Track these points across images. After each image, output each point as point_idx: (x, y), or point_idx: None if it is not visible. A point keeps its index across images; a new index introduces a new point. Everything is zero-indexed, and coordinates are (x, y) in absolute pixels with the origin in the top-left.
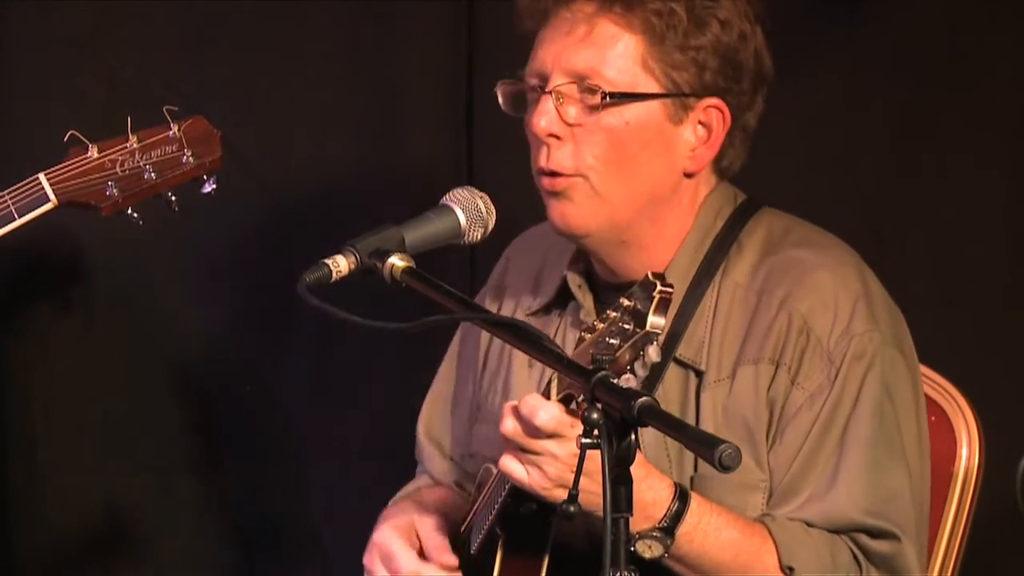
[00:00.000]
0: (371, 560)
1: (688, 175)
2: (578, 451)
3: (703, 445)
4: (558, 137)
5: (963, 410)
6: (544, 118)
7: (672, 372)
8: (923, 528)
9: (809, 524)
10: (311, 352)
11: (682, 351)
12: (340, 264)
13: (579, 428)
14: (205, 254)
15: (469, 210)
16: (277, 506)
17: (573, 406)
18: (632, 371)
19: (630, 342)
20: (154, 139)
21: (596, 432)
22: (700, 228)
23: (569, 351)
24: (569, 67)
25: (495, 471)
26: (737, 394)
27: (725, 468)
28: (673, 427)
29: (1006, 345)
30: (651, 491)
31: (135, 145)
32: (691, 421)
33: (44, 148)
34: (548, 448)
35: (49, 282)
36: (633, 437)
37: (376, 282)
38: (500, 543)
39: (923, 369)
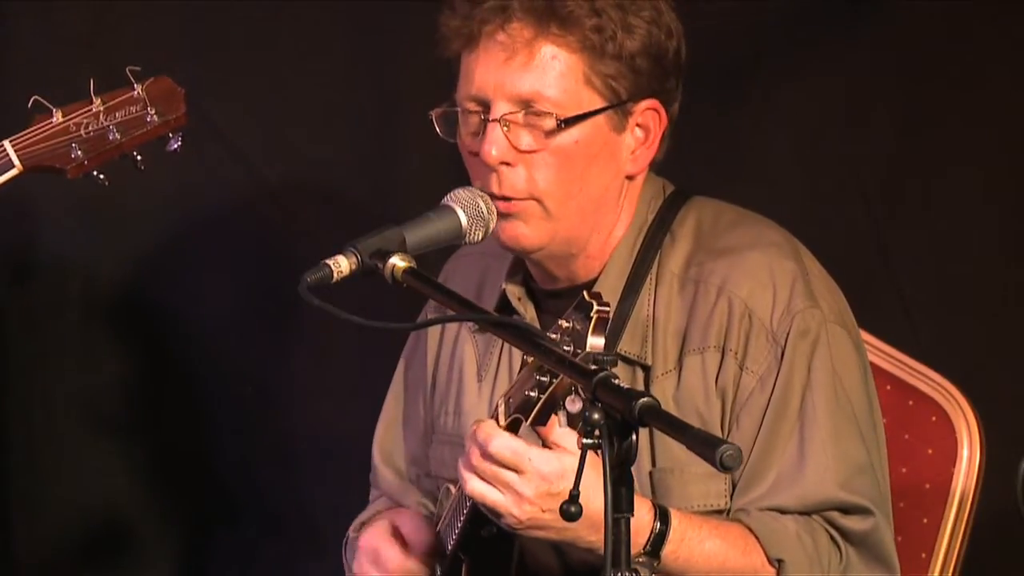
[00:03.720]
0: (359, 565)
1: (629, 177)
2: (543, 484)
3: (705, 446)
4: (509, 163)
5: (964, 410)
6: (494, 147)
7: (617, 369)
8: (889, 504)
9: (782, 510)
10: (311, 352)
11: (625, 347)
12: (341, 264)
13: (538, 457)
14: (206, 254)
15: (470, 210)
16: (277, 506)
17: (522, 430)
18: (576, 391)
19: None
20: (118, 100)
21: (597, 432)
22: (635, 224)
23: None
24: (513, 93)
25: (454, 492)
26: (686, 385)
27: (727, 469)
28: (675, 427)
29: (1006, 345)
30: None
31: (99, 107)
32: None
33: None
34: (512, 487)
35: (49, 282)
36: (634, 438)
37: (377, 282)
38: (464, 569)
39: (923, 369)
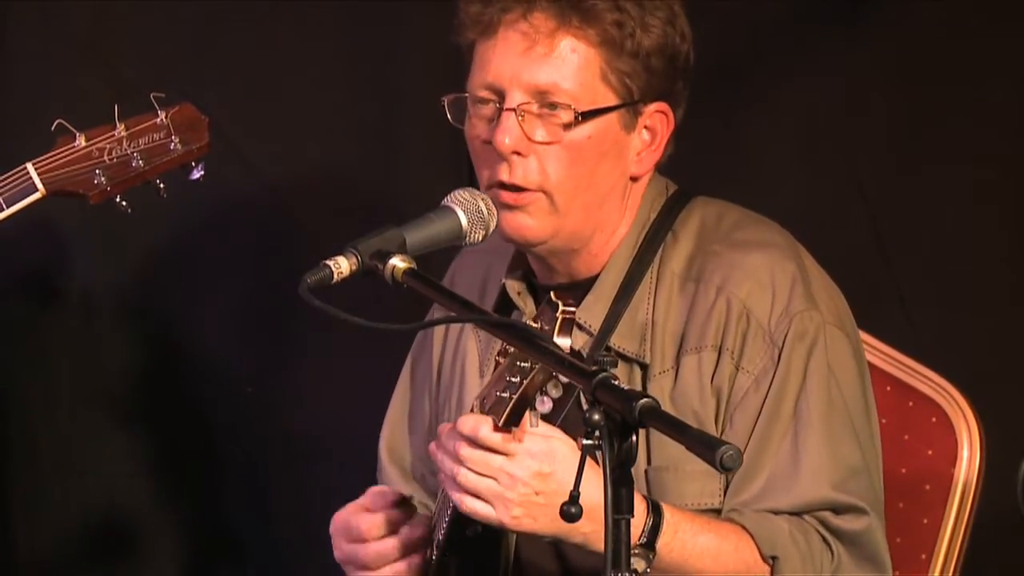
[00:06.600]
0: (337, 548)
1: (633, 179)
2: (534, 464)
3: (704, 447)
4: (521, 153)
5: (963, 411)
6: (508, 136)
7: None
8: (882, 506)
9: (774, 511)
10: (311, 352)
11: (623, 344)
12: (341, 265)
13: (529, 442)
14: (205, 254)
15: (470, 211)
16: (277, 506)
17: (526, 418)
18: (544, 392)
19: (539, 365)
20: (141, 126)
21: (597, 433)
22: (637, 224)
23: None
24: (530, 84)
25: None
26: (683, 384)
27: (726, 469)
28: (675, 428)
29: (1006, 345)
30: None
31: (122, 133)
32: None
33: (44, 148)
34: (503, 469)
35: (48, 283)
36: (634, 438)
37: (377, 283)
38: (452, 571)
39: (923, 369)
